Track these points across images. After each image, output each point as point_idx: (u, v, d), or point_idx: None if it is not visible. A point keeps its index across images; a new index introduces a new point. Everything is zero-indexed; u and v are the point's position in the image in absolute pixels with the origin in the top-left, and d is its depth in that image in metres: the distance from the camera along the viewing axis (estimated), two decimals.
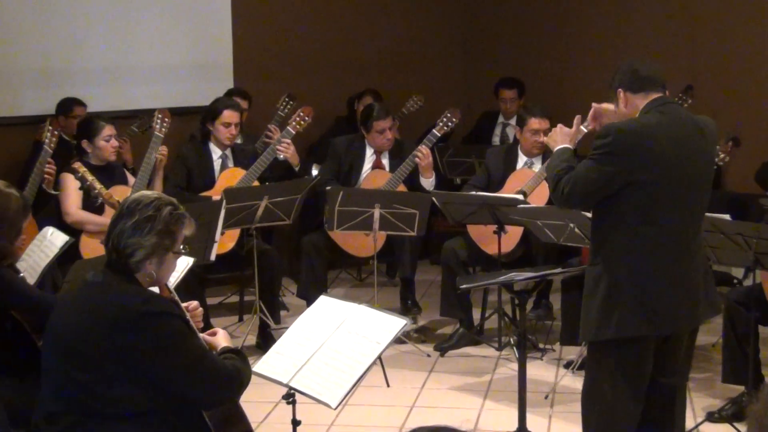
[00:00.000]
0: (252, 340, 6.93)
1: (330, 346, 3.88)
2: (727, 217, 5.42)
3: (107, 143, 6.76)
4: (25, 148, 7.80)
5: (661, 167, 4.06)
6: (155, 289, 3.60)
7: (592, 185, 4.08)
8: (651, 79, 4.24)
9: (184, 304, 3.72)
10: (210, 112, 7.35)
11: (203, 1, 9.06)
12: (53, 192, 6.82)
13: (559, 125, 4.56)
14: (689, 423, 5.47)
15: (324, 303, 4.15)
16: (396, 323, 3.87)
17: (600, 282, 4.13)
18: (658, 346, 4.19)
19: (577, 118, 4.55)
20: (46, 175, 6.65)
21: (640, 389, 4.19)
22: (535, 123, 6.86)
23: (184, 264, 4.79)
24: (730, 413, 5.42)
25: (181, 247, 3.61)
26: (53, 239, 5.38)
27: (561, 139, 4.45)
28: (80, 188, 6.36)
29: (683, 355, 4.37)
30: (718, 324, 5.93)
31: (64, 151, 7.34)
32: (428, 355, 6.81)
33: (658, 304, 4.11)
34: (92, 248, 6.32)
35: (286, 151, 7.25)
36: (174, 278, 4.49)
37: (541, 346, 6.73)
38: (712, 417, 5.47)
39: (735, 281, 6.66)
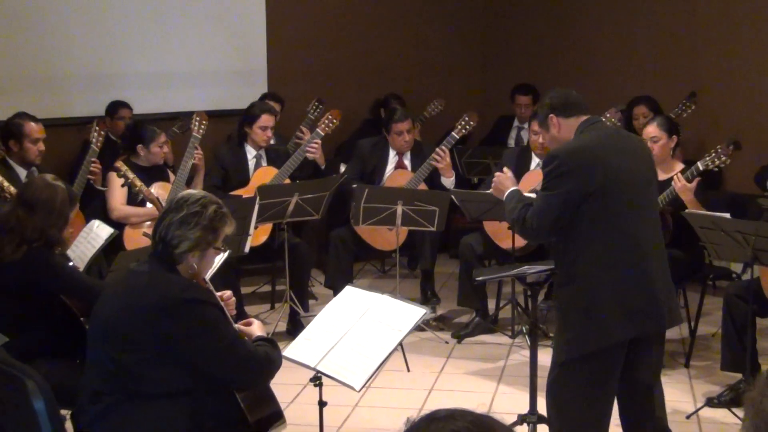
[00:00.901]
0: (282, 326, 6.93)
1: (355, 332, 3.89)
2: (727, 215, 5.39)
3: (160, 149, 6.81)
4: (75, 147, 7.84)
5: (609, 177, 4.06)
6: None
7: (555, 211, 4.07)
8: (578, 104, 4.27)
9: (218, 294, 3.74)
10: (248, 116, 7.39)
11: (240, 12, 9.08)
12: (101, 188, 6.86)
13: (497, 174, 4.59)
14: (689, 408, 5.48)
15: (350, 293, 4.16)
16: (416, 312, 3.87)
17: (577, 298, 4.11)
18: (631, 347, 4.15)
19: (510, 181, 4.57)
20: (89, 176, 6.67)
21: (613, 392, 4.16)
22: (535, 125, 6.86)
23: (220, 256, 4.80)
24: (728, 399, 5.40)
25: (222, 245, 3.62)
26: (99, 231, 5.41)
27: (508, 184, 4.47)
28: (123, 185, 6.40)
29: (657, 352, 4.34)
30: (717, 315, 5.89)
31: (110, 150, 7.38)
32: (446, 342, 6.80)
33: (638, 305, 4.09)
34: (135, 241, 6.35)
35: (315, 152, 7.27)
36: (211, 269, 4.51)
37: (551, 334, 6.69)
38: (711, 402, 5.45)
39: (734, 276, 6.64)
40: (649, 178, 4.30)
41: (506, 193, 4.43)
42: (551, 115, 4.25)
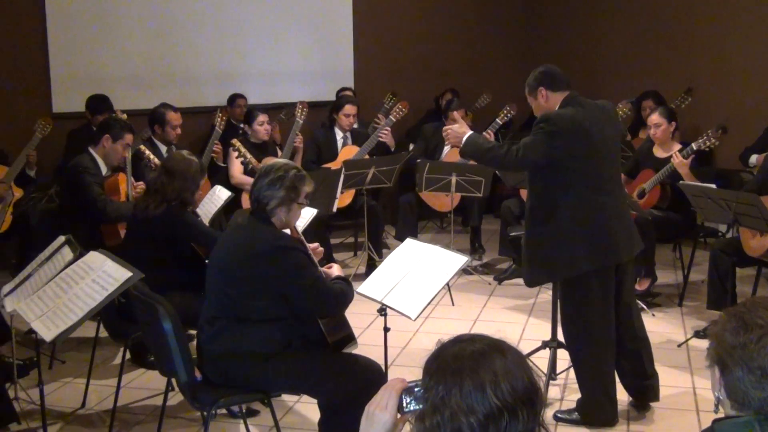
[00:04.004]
0: (362, 269, 6.98)
1: (412, 274, 3.87)
2: (713, 186, 5.27)
3: (260, 127, 6.87)
4: (204, 130, 7.95)
5: (590, 142, 3.96)
6: (286, 231, 3.62)
7: (539, 153, 3.93)
8: (564, 81, 4.13)
9: (309, 245, 3.74)
10: (336, 105, 7.44)
11: (332, 25, 9.07)
12: (221, 165, 6.95)
13: (448, 128, 4.27)
14: (681, 338, 5.40)
15: (409, 244, 4.13)
16: (460, 260, 3.84)
17: (552, 235, 4.00)
18: (615, 275, 4.09)
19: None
20: (213, 154, 6.75)
21: (612, 308, 4.09)
22: None
23: (309, 214, 4.84)
24: None
25: (305, 200, 3.61)
26: (220, 194, 5.48)
27: (464, 129, 4.21)
28: (236, 157, 6.47)
29: (631, 278, 4.27)
30: (706, 266, 5.77)
31: (231, 132, 7.46)
32: (489, 284, 6.79)
33: (600, 243, 4.00)
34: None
35: (385, 137, 7.28)
36: (302, 224, 4.54)
37: None
38: (698, 334, 5.36)
39: (720, 234, 6.49)
40: (617, 141, 4.17)
41: (467, 137, 4.17)
42: (541, 87, 4.12)
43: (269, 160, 6.63)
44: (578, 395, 4.29)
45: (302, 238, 3.73)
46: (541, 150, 3.94)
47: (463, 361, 1.62)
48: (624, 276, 4.15)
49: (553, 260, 4.05)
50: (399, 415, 1.74)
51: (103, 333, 4.69)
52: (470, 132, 4.22)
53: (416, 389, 1.73)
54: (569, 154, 3.93)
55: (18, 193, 6.30)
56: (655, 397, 4.32)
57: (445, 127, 4.36)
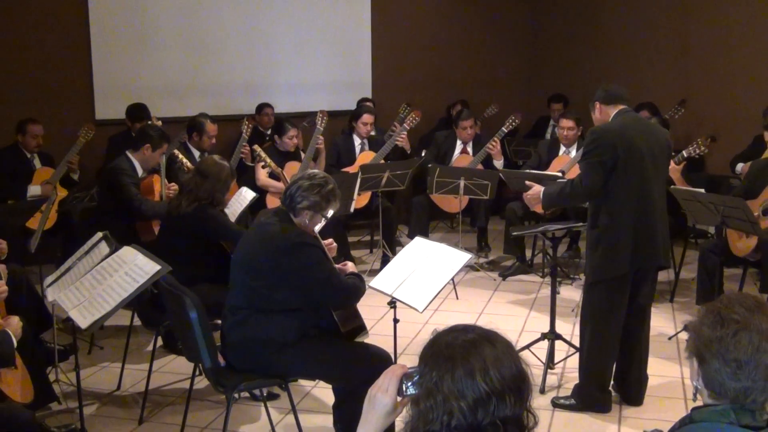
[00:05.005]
0: (377, 265, 6.95)
1: (420, 270, 3.86)
2: (702, 190, 5.23)
3: (290, 140, 6.85)
4: (233, 136, 7.95)
5: (634, 152, 3.94)
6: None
7: (598, 172, 3.94)
8: (618, 96, 4.13)
9: (324, 241, 3.73)
10: (355, 114, 7.42)
11: (353, 40, 9.06)
12: (250, 164, 6.96)
13: (526, 194, 4.41)
14: (671, 331, 5.37)
15: (418, 242, 4.12)
16: (464, 257, 3.83)
17: (601, 238, 4.00)
18: (635, 278, 4.07)
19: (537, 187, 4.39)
20: (241, 155, 6.77)
21: (623, 312, 4.10)
22: (562, 122, 6.83)
23: (321, 224, 4.82)
24: None
25: (327, 215, 3.62)
26: (246, 195, 5.48)
27: (537, 189, 4.31)
28: (258, 161, 6.47)
29: (652, 283, 4.24)
30: (695, 265, 5.72)
31: (258, 138, 7.45)
32: (494, 279, 6.75)
33: (643, 245, 4.00)
34: (273, 203, 6.44)
35: (402, 141, 7.26)
36: (319, 224, 4.52)
37: (571, 275, 6.63)
38: (687, 328, 5.29)
39: (709, 235, 6.44)
40: (657, 154, 4.09)
41: (542, 193, 4.29)
42: (596, 101, 4.17)
43: (291, 165, 6.70)
44: (574, 383, 4.26)
45: (318, 236, 3.73)
46: (595, 170, 3.95)
47: (455, 349, 1.61)
48: (644, 280, 4.14)
49: (604, 260, 4.03)
50: (399, 399, 1.74)
51: (138, 321, 4.71)
52: (541, 188, 4.31)
53: (415, 375, 1.73)
54: (617, 159, 3.92)
55: (62, 192, 6.35)
56: (640, 402, 4.29)
57: (524, 195, 4.46)
